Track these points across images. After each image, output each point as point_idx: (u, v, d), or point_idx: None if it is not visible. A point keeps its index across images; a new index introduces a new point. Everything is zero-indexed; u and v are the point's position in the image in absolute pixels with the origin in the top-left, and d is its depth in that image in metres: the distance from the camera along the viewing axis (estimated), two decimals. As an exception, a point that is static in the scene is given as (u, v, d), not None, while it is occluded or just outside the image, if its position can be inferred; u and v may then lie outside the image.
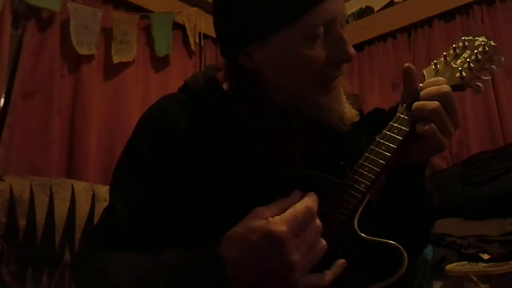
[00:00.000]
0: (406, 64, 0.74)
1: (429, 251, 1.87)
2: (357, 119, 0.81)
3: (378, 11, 2.93)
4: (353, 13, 3.03)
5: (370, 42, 2.92)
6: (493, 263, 1.73)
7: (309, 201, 0.58)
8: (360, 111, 0.88)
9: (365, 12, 2.98)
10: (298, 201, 0.60)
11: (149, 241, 0.74)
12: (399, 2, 2.82)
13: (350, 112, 0.79)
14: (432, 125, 0.67)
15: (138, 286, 0.64)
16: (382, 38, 2.87)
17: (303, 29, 0.71)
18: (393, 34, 2.82)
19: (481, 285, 1.62)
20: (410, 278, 0.64)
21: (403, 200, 0.75)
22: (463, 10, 2.55)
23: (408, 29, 2.76)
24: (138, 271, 0.66)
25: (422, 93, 0.70)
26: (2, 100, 2.08)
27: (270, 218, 0.55)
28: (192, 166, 0.77)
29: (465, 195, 2.02)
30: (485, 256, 1.77)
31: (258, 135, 0.79)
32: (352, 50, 0.74)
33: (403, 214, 0.75)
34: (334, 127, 0.78)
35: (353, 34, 2.89)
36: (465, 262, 1.80)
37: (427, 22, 2.68)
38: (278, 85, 0.77)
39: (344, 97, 0.79)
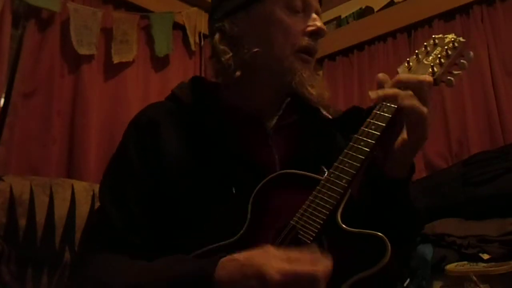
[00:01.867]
0: (379, 75, 0.79)
1: (429, 251, 1.87)
2: (325, 102, 0.88)
3: (378, 11, 2.93)
4: (353, 13, 3.03)
5: (370, 42, 2.92)
6: (493, 263, 1.72)
7: (320, 269, 0.55)
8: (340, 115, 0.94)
9: (365, 12, 2.98)
10: (312, 259, 0.57)
11: (138, 240, 0.77)
12: (399, 2, 2.82)
13: (322, 93, 0.86)
14: (409, 91, 0.70)
15: None
16: (382, 38, 2.87)
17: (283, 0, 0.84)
18: (393, 34, 2.82)
19: (481, 285, 1.62)
20: (397, 272, 0.65)
21: (390, 208, 0.77)
22: (463, 10, 2.55)
23: (408, 29, 2.76)
24: (131, 277, 0.67)
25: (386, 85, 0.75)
26: (2, 100, 2.08)
27: (273, 262, 0.55)
28: (179, 167, 0.80)
29: (465, 195, 2.02)
30: (485, 256, 1.77)
31: (239, 137, 0.84)
32: (325, 28, 0.87)
33: (388, 219, 0.76)
34: (304, 94, 0.84)
35: (353, 34, 2.89)
36: (465, 262, 1.80)
37: (427, 22, 2.67)
38: (260, 48, 0.85)
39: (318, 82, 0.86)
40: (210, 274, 0.58)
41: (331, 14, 3.14)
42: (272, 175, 0.77)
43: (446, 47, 0.78)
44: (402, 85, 0.72)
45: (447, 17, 2.61)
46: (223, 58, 0.85)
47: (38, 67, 2.19)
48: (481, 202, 1.96)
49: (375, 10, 2.95)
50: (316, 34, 0.86)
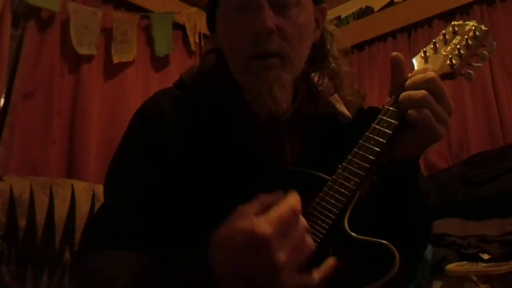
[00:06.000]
0: (394, 53, 0.71)
1: (429, 251, 1.87)
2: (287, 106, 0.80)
3: (378, 11, 2.93)
4: (353, 13, 3.03)
5: (370, 42, 2.92)
6: (493, 263, 1.73)
7: (293, 201, 0.56)
8: (360, 109, 0.86)
9: (365, 12, 2.98)
10: (280, 199, 0.57)
11: (142, 238, 0.74)
12: (399, 2, 2.82)
13: (283, 99, 0.75)
14: (426, 111, 0.64)
15: (130, 285, 0.64)
16: (382, 38, 2.87)
17: (228, 1, 0.76)
18: (393, 34, 2.82)
19: (481, 285, 1.62)
20: (405, 280, 0.63)
21: (398, 199, 0.72)
22: (463, 10, 2.55)
23: (408, 29, 2.76)
24: (131, 270, 0.66)
25: (407, 82, 0.67)
26: (2, 100, 2.08)
27: (255, 219, 0.54)
28: (185, 163, 0.77)
29: (465, 195, 2.02)
30: (485, 256, 1.77)
31: (250, 131, 0.79)
32: (264, 23, 0.72)
33: (398, 213, 0.72)
34: (261, 110, 0.77)
35: (353, 34, 2.89)
36: (465, 262, 1.80)
37: (427, 22, 2.67)
38: (229, 59, 0.80)
39: (283, 86, 0.75)
40: (204, 257, 0.57)
41: (331, 14, 3.13)
42: (279, 171, 0.74)
43: (466, 36, 0.70)
44: (415, 86, 0.66)
45: (447, 17, 2.61)
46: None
47: (38, 67, 2.19)
48: (481, 202, 1.96)
49: (375, 10, 2.95)
50: (255, 34, 0.73)
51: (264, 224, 0.53)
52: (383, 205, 0.72)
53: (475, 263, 1.76)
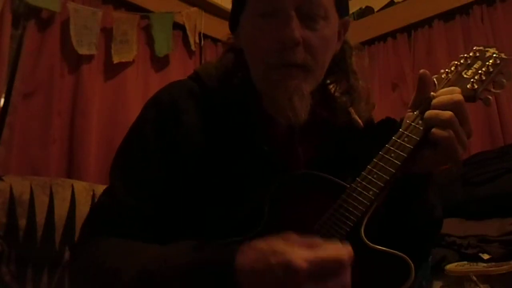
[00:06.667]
0: (422, 71, 0.72)
1: (429, 251, 1.87)
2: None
3: (378, 11, 2.94)
4: (353, 13, 3.03)
5: (370, 42, 2.93)
6: (493, 263, 1.73)
7: (345, 254, 0.54)
8: (370, 120, 0.88)
9: (365, 12, 2.98)
10: (334, 245, 0.56)
11: (148, 227, 0.73)
12: (399, 2, 2.82)
13: (302, 110, 0.75)
14: (450, 131, 0.65)
15: (141, 276, 0.62)
16: (382, 38, 2.88)
17: (256, 5, 0.76)
18: (393, 34, 2.83)
19: (481, 285, 1.62)
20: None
21: (406, 209, 0.74)
22: (463, 10, 2.55)
23: (408, 29, 2.77)
24: (141, 260, 0.64)
25: (434, 101, 0.68)
26: (2, 100, 2.07)
27: (296, 249, 0.53)
28: (196, 155, 0.76)
29: (465, 195, 2.02)
30: (485, 256, 1.77)
31: (266, 134, 0.79)
32: (291, 33, 0.71)
33: (405, 223, 0.74)
34: (278, 119, 0.78)
35: (353, 34, 2.88)
36: (465, 262, 1.80)
37: (427, 22, 2.68)
38: (250, 63, 0.81)
39: (306, 96, 0.76)
40: (230, 262, 0.55)
41: (331, 14, 3.13)
42: (293, 174, 0.74)
43: (487, 62, 0.74)
44: (441, 107, 0.67)
45: (447, 17, 2.61)
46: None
47: (38, 67, 2.19)
48: (481, 202, 1.96)
49: (375, 10, 2.95)
50: (280, 48, 0.73)
51: (302, 259, 0.52)
52: (392, 214, 0.72)
53: (475, 263, 1.76)
